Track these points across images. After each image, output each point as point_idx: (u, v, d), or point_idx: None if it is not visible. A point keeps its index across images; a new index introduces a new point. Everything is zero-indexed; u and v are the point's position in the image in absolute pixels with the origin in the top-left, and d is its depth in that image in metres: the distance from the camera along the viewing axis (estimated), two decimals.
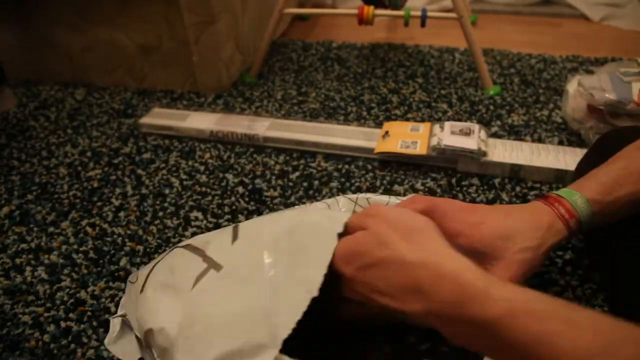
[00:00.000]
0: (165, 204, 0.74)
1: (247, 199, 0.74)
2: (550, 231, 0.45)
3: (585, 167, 0.59)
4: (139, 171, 0.82)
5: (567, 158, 0.74)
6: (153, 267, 0.49)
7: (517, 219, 0.46)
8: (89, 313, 0.58)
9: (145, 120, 0.91)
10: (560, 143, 0.83)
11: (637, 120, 0.75)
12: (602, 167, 0.50)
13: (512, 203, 0.70)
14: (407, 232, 0.38)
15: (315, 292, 0.39)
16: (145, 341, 0.45)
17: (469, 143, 0.75)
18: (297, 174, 0.79)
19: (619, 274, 0.52)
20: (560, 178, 0.73)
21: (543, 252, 0.45)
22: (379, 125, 0.88)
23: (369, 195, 0.56)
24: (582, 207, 0.47)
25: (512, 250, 0.44)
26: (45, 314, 0.58)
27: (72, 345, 0.54)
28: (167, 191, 0.77)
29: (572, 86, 0.86)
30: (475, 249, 0.44)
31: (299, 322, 0.38)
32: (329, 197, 0.72)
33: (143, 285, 0.47)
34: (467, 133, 0.77)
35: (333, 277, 0.40)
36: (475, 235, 0.45)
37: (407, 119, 0.91)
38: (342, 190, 0.74)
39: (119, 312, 0.51)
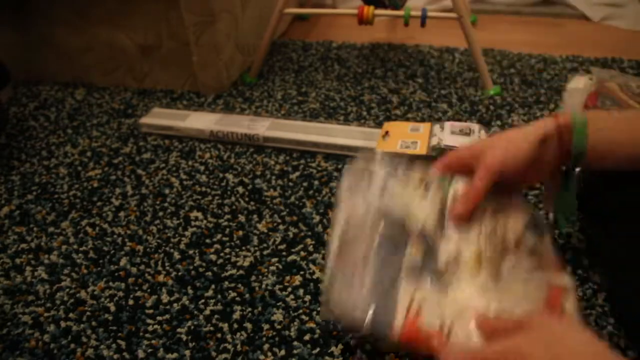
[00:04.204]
0: (165, 204, 0.74)
1: (247, 199, 0.74)
2: (538, 125, 0.50)
3: None
4: (139, 171, 0.82)
5: None
6: None
7: (510, 129, 0.52)
8: (88, 313, 0.58)
9: (145, 120, 0.91)
10: None
11: None
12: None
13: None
14: None
15: None
16: None
17: (469, 143, 0.75)
18: (297, 174, 0.79)
19: (619, 274, 0.52)
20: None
21: (529, 141, 0.49)
22: (379, 125, 0.88)
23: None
24: (577, 115, 0.49)
25: (495, 142, 0.51)
26: (45, 314, 0.58)
27: (72, 345, 0.54)
28: (167, 191, 0.77)
29: (570, 86, 0.86)
30: (474, 151, 0.51)
31: None
32: (329, 197, 0.72)
33: None
34: (467, 133, 0.77)
35: None
36: (475, 144, 0.53)
37: (407, 119, 0.91)
38: None
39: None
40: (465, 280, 0.48)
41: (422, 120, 0.90)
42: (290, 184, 0.76)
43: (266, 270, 0.62)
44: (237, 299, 0.59)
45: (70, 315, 0.58)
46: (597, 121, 0.48)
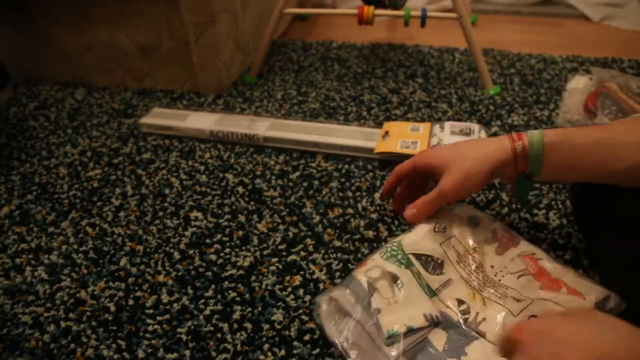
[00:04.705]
0: (165, 204, 0.74)
1: (247, 199, 0.74)
2: (496, 148, 0.53)
3: None
4: (139, 171, 0.82)
5: None
6: None
7: (470, 143, 0.56)
8: (88, 313, 0.58)
9: (145, 120, 0.91)
10: None
11: None
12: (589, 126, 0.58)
13: (511, 203, 0.70)
14: None
15: None
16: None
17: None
18: (297, 174, 0.79)
19: (618, 273, 0.52)
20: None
21: (482, 163, 0.53)
22: (379, 125, 0.88)
23: None
24: (534, 135, 0.52)
25: (455, 163, 0.54)
26: (45, 314, 0.58)
27: (72, 345, 0.54)
28: (167, 191, 0.77)
29: (570, 86, 0.86)
30: (437, 165, 0.56)
31: None
32: (329, 197, 0.72)
33: None
34: (467, 133, 0.77)
35: None
36: (438, 156, 0.57)
37: (407, 119, 0.91)
38: (342, 190, 0.74)
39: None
40: (486, 309, 0.51)
41: (422, 120, 0.90)
42: (290, 184, 0.76)
43: (266, 270, 0.62)
44: (237, 299, 0.59)
45: (70, 315, 0.58)
46: (553, 146, 0.51)
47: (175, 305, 0.58)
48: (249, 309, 0.57)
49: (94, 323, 0.57)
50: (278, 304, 0.58)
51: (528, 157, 0.52)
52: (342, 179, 0.77)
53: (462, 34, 0.95)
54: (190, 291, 0.60)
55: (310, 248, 0.65)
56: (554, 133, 0.52)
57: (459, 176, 0.53)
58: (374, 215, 0.69)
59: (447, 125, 0.79)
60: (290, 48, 1.21)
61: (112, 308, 0.58)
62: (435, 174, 0.57)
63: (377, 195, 0.72)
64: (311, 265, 0.62)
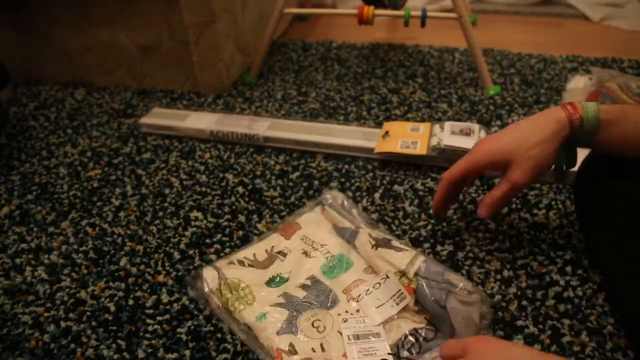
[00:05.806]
0: (165, 204, 0.74)
1: (247, 199, 0.74)
2: (553, 122, 0.52)
3: (588, 167, 0.59)
4: (139, 171, 0.82)
5: None
6: None
7: (525, 125, 0.54)
8: (88, 313, 0.58)
9: (145, 120, 0.92)
10: None
11: None
12: None
13: (511, 204, 0.70)
14: None
15: None
16: None
17: (469, 143, 0.75)
18: (297, 174, 0.79)
19: (619, 274, 0.52)
20: (562, 178, 0.73)
21: (548, 145, 0.52)
22: (379, 125, 0.88)
23: None
24: (590, 109, 0.51)
25: (520, 152, 0.52)
26: (45, 314, 0.58)
27: (72, 345, 0.54)
28: (167, 191, 0.77)
29: (570, 86, 0.86)
30: (500, 161, 0.54)
31: None
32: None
33: None
34: (467, 133, 0.77)
35: None
36: (499, 151, 0.54)
37: (407, 119, 0.91)
38: (342, 190, 0.74)
39: None
40: None
41: (422, 120, 0.90)
42: (290, 184, 0.76)
43: None
44: None
45: (70, 315, 0.58)
46: (607, 122, 0.50)
47: (175, 305, 0.58)
48: None
49: (94, 323, 0.57)
50: None
51: (582, 129, 0.51)
52: (342, 179, 0.77)
53: (462, 34, 0.95)
54: (190, 291, 0.60)
55: None
56: (609, 109, 0.51)
57: (528, 165, 0.52)
58: (374, 216, 0.69)
59: (447, 125, 0.79)
60: (290, 48, 1.21)
61: (112, 308, 0.58)
62: (496, 169, 0.55)
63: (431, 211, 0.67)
64: None
